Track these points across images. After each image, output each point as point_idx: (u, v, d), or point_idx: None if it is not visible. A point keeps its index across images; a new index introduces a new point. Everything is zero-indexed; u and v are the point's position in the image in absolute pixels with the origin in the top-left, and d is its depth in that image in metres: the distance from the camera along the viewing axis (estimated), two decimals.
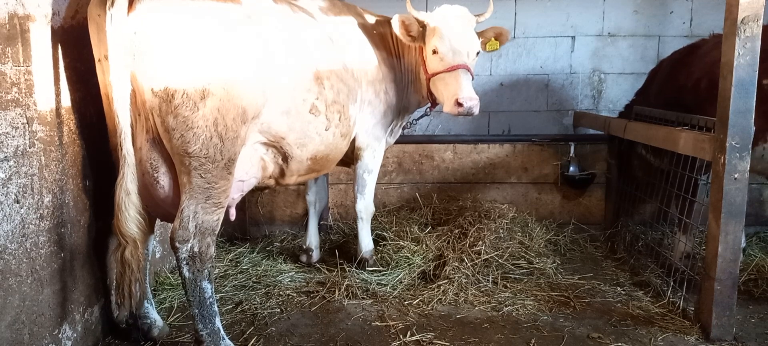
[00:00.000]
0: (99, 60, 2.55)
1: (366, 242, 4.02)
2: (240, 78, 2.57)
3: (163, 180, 2.62)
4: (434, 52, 3.55)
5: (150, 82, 2.40)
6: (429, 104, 4.03)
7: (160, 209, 2.74)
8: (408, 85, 3.90)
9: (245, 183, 3.04)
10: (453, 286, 3.63)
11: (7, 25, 2.25)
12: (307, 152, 3.18)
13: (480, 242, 3.95)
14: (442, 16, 3.65)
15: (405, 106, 3.96)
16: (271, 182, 3.25)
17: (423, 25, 3.65)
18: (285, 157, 3.11)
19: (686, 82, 3.91)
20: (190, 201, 2.55)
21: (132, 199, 2.52)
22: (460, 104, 3.37)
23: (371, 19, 3.84)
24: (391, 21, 3.62)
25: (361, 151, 3.77)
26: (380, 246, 4.19)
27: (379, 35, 3.78)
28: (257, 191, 3.94)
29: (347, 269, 3.92)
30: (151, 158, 2.58)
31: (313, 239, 4.21)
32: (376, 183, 4.00)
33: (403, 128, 4.23)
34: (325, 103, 3.14)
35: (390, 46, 3.81)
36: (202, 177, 2.53)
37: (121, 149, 2.45)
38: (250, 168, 3.00)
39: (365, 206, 3.94)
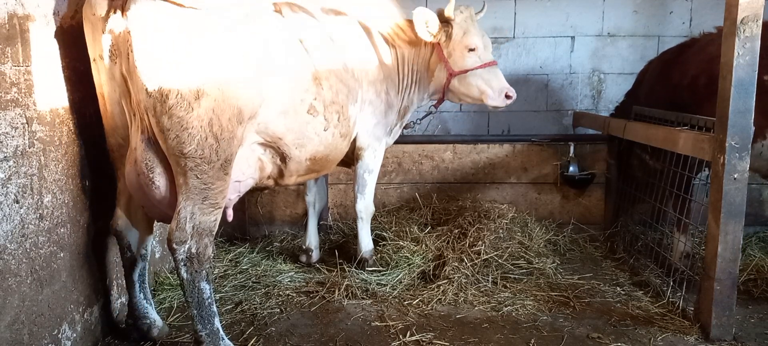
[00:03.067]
0: (94, 60, 2.54)
1: (366, 242, 4.02)
2: (235, 78, 2.56)
3: (159, 181, 2.60)
4: (471, 49, 3.74)
5: (144, 82, 2.38)
6: (433, 102, 4.04)
7: (156, 209, 2.73)
8: (411, 84, 3.91)
9: (242, 184, 3.03)
10: (453, 286, 3.63)
11: (7, 25, 2.25)
12: (305, 153, 3.17)
13: (480, 242, 3.94)
14: (468, 13, 3.80)
15: (406, 106, 3.97)
16: (270, 182, 3.24)
17: (448, 22, 3.71)
18: (283, 158, 3.10)
19: (681, 80, 3.91)
20: (186, 202, 2.55)
21: None
22: (508, 97, 3.76)
23: None
24: (413, 15, 3.64)
25: (362, 151, 3.76)
26: (380, 246, 4.19)
27: (381, 34, 3.77)
28: (256, 191, 3.94)
29: (347, 269, 3.92)
30: (147, 159, 2.56)
31: (312, 239, 4.20)
32: (376, 183, 4.00)
33: (405, 128, 4.25)
34: (323, 103, 3.13)
35: (393, 45, 3.81)
36: (198, 178, 2.52)
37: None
38: (247, 168, 2.99)
39: (365, 206, 3.94)
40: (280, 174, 3.20)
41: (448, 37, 3.76)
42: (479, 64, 3.76)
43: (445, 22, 3.75)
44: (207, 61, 2.46)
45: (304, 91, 3.02)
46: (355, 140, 3.69)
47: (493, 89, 3.77)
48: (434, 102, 4.13)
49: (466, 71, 3.76)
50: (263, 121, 2.84)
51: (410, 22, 3.73)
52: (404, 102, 3.93)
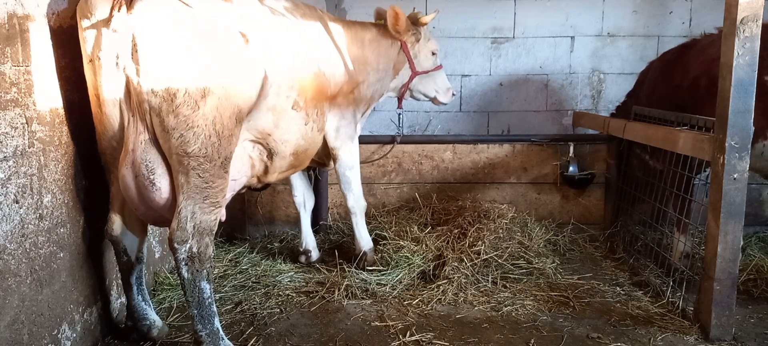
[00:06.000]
0: (91, 61, 2.52)
1: (365, 238, 4.04)
2: (238, 76, 2.58)
3: (160, 182, 2.59)
4: (433, 53, 4.20)
5: (150, 82, 2.39)
6: (390, 95, 4.30)
7: (151, 213, 2.71)
8: (375, 83, 4.03)
9: (237, 182, 3.05)
10: (452, 286, 3.63)
11: (7, 25, 2.24)
12: (289, 148, 3.21)
13: (479, 242, 3.94)
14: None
15: (368, 103, 4.09)
16: (254, 180, 3.28)
17: (419, 24, 4.04)
18: (270, 154, 3.14)
19: (682, 81, 3.91)
20: (187, 202, 2.54)
21: None
22: (454, 94, 4.42)
23: (334, 22, 3.87)
24: (387, 11, 3.90)
25: (337, 151, 3.80)
26: (380, 246, 4.19)
27: (344, 36, 3.82)
28: (241, 190, 3.94)
29: (347, 269, 3.92)
30: (147, 160, 2.55)
31: (309, 240, 4.21)
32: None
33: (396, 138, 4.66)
34: (304, 99, 3.20)
35: (355, 48, 3.87)
36: (200, 177, 2.53)
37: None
38: (242, 166, 3.02)
39: (356, 201, 3.98)
40: (266, 171, 3.23)
41: (417, 39, 4.10)
42: (436, 66, 4.25)
43: (415, 24, 4.07)
44: (212, 59, 2.47)
45: (290, 88, 3.07)
46: (327, 141, 3.73)
47: (443, 88, 4.33)
48: (392, 96, 4.37)
49: (427, 72, 4.21)
50: (253, 117, 2.86)
51: (375, 23, 4.01)
52: (367, 96, 4.03)
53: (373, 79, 4.01)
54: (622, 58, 5.66)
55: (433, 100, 4.36)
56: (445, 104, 4.44)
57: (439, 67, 4.29)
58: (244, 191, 4.43)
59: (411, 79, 4.17)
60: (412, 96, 4.36)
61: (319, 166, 4.19)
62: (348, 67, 3.77)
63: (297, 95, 3.13)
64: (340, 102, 3.69)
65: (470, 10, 5.54)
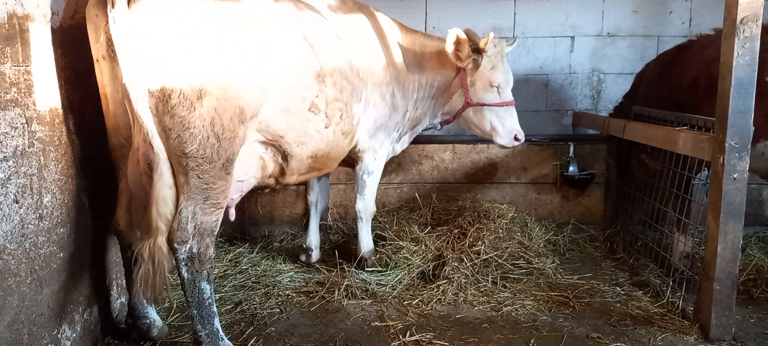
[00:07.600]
0: (97, 60, 2.54)
1: (366, 242, 4.02)
2: (238, 77, 2.56)
3: None
4: (492, 84, 3.80)
5: (146, 82, 2.38)
6: (439, 120, 4.08)
7: None
8: (427, 98, 3.91)
9: (244, 183, 3.03)
10: (452, 286, 3.63)
11: (6, 25, 2.24)
12: (307, 150, 3.16)
13: (479, 242, 3.95)
14: (500, 48, 3.80)
15: (418, 117, 3.98)
16: (271, 181, 3.24)
17: (479, 51, 3.71)
18: (285, 156, 3.09)
19: (680, 81, 3.91)
20: (188, 202, 2.55)
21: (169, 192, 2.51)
22: (517, 139, 3.85)
23: (389, 23, 3.81)
24: (448, 34, 3.65)
25: (362, 153, 3.76)
26: (380, 246, 4.19)
27: (398, 41, 3.76)
28: (258, 190, 3.95)
29: (347, 269, 3.92)
30: (150, 159, 2.56)
31: (313, 238, 4.20)
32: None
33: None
34: (325, 100, 3.10)
35: (411, 55, 3.80)
36: (199, 178, 2.52)
37: (153, 148, 2.44)
38: (250, 168, 2.99)
39: (365, 207, 3.94)
40: (282, 173, 3.20)
41: (476, 66, 3.79)
42: (498, 102, 3.84)
43: (476, 50, 3.73)
44: (210, 60, 2.46)
45: (306, 89, 3.00)
46: (356, 143, 3.67)
47: (504, 129, 3.87)
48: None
49: (483, 105, 3.83)
50: (264, 119, 2.83)
51: (442, 40, 3.78)
52: (417, 112, 3.93)
53: (426, 94, 3.88)
54: (622, 58, 5.65)
55: (490, 137, 3.91)
56: (507, 148, 3.96)
57: (507, 103, 3.85)
58: (268, 191, 4.38)
59: (462, 108, 3.88)
60: (468, 128, 4.02)
61: (349, 166, 4.01)
62: (394, 66, 3.64)
63: (315, 96, 3.04)
64: (377, 104, 3.60)
65: (470, 10, 5.53)
